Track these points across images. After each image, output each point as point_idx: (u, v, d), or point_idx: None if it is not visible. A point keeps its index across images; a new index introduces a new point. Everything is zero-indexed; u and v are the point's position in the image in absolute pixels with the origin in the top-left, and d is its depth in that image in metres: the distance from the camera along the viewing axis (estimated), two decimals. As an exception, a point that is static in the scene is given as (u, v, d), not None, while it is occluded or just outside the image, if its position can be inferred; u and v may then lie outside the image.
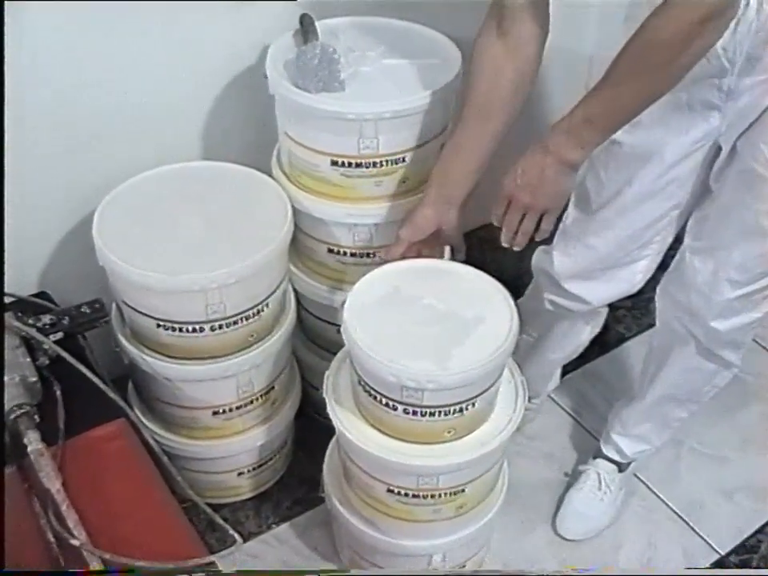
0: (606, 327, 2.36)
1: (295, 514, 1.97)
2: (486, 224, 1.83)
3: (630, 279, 1.77)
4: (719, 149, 1.53)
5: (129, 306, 1.61)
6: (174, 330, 1.59)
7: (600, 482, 1.98)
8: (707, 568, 1.93)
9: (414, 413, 1.46)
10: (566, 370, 2.27)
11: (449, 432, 1.50)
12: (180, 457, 1.79)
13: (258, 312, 1.63)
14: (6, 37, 1.18)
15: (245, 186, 1.69)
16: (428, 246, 1.62)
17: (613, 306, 2.39)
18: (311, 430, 2.01)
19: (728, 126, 1.49)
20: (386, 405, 1.48)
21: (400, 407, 1.46)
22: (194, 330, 1.59)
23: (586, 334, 2.01)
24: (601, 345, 2.35)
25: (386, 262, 1.60)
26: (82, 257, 1.71)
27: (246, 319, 1.62)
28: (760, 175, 1.47)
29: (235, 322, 1.61)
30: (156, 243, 1.57)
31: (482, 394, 1.47)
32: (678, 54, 1.26)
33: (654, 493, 2.06)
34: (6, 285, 1.61)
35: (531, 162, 1.42)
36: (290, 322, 1.76)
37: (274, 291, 1.66)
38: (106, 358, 1.71)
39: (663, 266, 1.76)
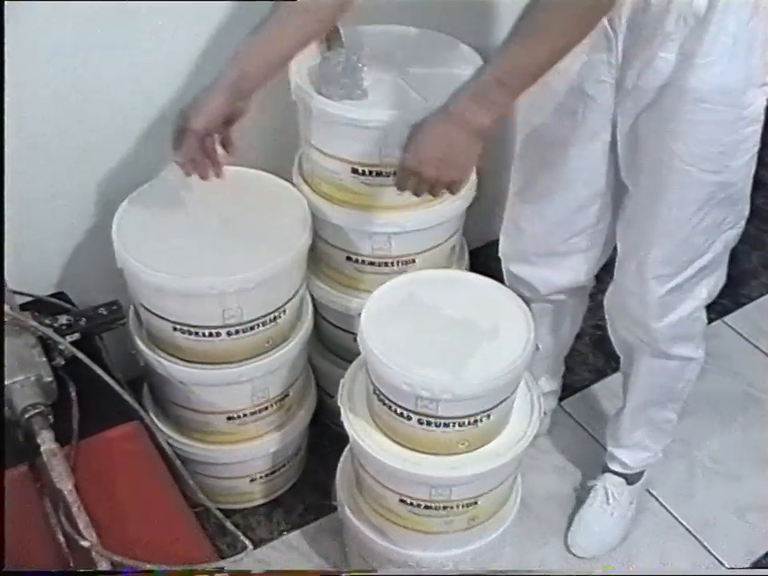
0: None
1: (307, 521, 1.96)
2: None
3: (576, 268, 1.77)
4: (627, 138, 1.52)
5: (146, 308, 1.61)
6: (190, 333, 1.59)
7: (608, 496, 1.97)
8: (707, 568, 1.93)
9: (428, 423, 1.46)
10: (581, 384, 2.27)
11: (463, 444, 1.50)
12: (193, 461, 1.79)
13: (275, 318, 1.63)
14: (6, 37, 1.21)
15: (265, 192, 1.69)
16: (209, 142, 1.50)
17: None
18: (325, 437, 2.01)
19: (622, 107, 1.48)
20: (400, 414, 1.47)
21: (414, 417, 1.46)
22: (211, 335, 1.59)
23: (564, 328, 2.00)
24: (616, 359, 2.30)
25: (176, 162, 1.48)
26: (100, 258, 1.71)
27: (263, 325, 1.62)
28: (665, 164, 1.46)
29: (252, 328, 1.60)
30: (175, 246, 1.57)
31: (497, 406, 1.47)
32: (591, 14, 1.24)
33: (667, 509, 2.04)
34: (22, 284, 1.63)
35: (436, 133, 1.33)
36: (306, 328, 1.76)
37: (292, 298, 1.66)
38: (122, 359, 1.71)
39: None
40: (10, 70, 1.52)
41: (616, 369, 2.29)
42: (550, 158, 1.61)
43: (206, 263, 1.54)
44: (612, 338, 1.84)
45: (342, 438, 1.68)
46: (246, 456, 1.83)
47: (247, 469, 1.87)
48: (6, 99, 1.56)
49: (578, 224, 1.69)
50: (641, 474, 2.00)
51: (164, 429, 1.78)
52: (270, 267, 1.54)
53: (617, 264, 1.68)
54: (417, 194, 1.42)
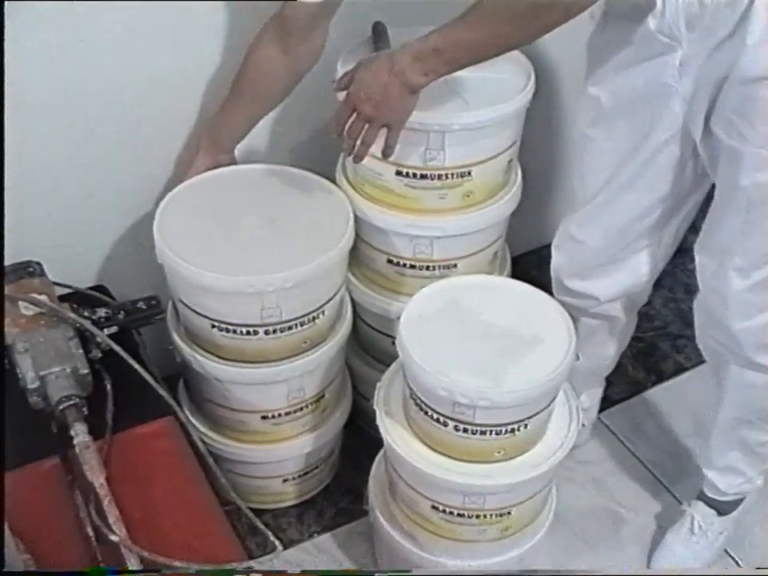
0: (664, 356, 2.35)
1: (337, 524, 1.95)
2: (544, 245, 1.82)
3: (635, 271, 1.75)
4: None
5: (185, 304, 1.61)
6: (228, 331, 1.58)
7: (694, 528, 1.90)
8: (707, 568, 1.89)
9: (465, 430, 1.44)
10: (620, 397, 2.24)
11: (499, 452, 1.48)
12: (226, 459, 1.78)
13: (314, 319, 1.62)
14: (6, 36, 1.18)
15: (308, 191, 1.68)
16: None
17: (673, 335, 2.40)
18: (359, 441, 2.00)
19: (690, 106, 1.46)
20: (437, 420, 1.45)
21: (451, 423, 1.44)
22: (248, 333, 1.58)
23: (612, 347, 1.98)
24: (658, 374, 2.31)
25: None
26: (141, 253, 1.72)
27: (301, 325, 1.61)
28: (736, 150, 1.42)
29: (290, 327, 1.59)
30: (215, 243, 1.56)
31: (535, 415, 1.45)
32: (542, 11, 1.29)
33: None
34: (63, 277, 1.64)
35: (376, 77, 1.42)
36: (345, 330, 1.74)
37: (331, 298, 1.65)
38: (159, 356, 1.71)
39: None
40: (51, 67, 1.55)
41: (656, 383, 2.30)
42: (614, 167, 1.59)
43: (247, 261, 1.53)
44: (701, 348, 1.76)
45: (376, 442, 1.67)
46: (280, 456, 1.82)
47: (280, 469, 1.86)
48: (47, 99, 1.59)
49: (638, 231, 1.67)
50: (736, 503, 1.91)
51: (199, 426, 1.77)
52: (310, 267, 1.53)
53: (698, 266, 1.62)
54: (351, 135, 1.49)
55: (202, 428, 1.78)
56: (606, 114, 1.55)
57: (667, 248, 1.76)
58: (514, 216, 1.85)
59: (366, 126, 1.47)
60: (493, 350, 1.45)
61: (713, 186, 1.59)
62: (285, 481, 1.89)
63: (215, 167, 1.69)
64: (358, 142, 1.50)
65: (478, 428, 1.43)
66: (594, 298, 1.77)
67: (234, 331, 1.58)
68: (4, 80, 1.16)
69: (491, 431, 1.44)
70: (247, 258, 1.54)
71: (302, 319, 1.60)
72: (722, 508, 1.90)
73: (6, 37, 1.16)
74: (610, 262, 1.73)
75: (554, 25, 1.31)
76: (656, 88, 1.47)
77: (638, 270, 1.76)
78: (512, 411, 1.42)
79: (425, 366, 1.40)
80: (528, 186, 1.84)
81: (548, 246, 1.81)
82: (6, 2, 1.16)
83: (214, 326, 1.59)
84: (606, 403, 2.20)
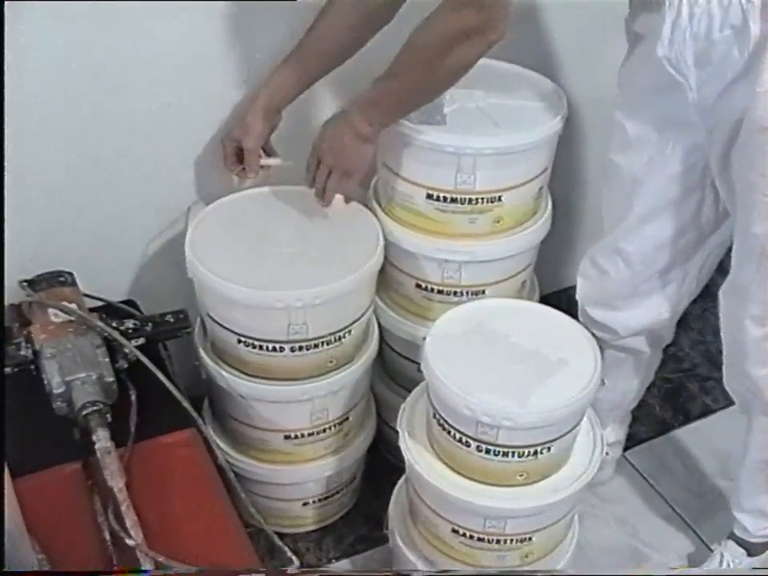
0: (692, 397, 2.33)
1: (357, 551, 1.93)
2: (573, 285, 1.82)
3: (658, 307, 1.76)
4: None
5: (212, 319, 1.62)
6: (254, 347, 1.59)
7: (722, 565, 1.87)
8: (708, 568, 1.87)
9: (488, 451, 1.43)
10: (646, 436, 2.22)
11: (521, 475, 1.47)
12: (247, 479, 1.78)
13: (340, 338, 1.63)
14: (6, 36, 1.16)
15: (339, 212, 1.68)
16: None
17: (701, 377, 2.39)
18: (382, 469, 1.98)
19: (711, 145, 1.48)
20: (459, 440, 1.45)
21: (473, 444, 1.43)
22: (275, 349, 1.58)
23: (636, 381, 1.96)
24: (685, 414, 2.29)
25: (241, 185, 1.72)
26: (172, 270, 1.74)
27: (328, 344, 1.61)
28: (748, 197, 1.43)
29: (316, 345, 1.60)
30: (246, 258, 1.58)
31: (558, 438, 1.44)
32: (441, 58, 1.41)
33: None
34: (94, 291, 1.65)
35: (333, 130, 1.56)
36: (371, 352, 1.74)
37: (359, 319, 1.65)
38: (186, 376, 1.72)
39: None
40: (90, 81, 1.59)
41: (683, 423, 2.28)
42: (637, 194, 1.61)
43: (275, 277, 1.54)
44: (728, 391, 1.76)
45: (399, 471, 1.67)
46: (301, 478, 1.81)
47: (301, 491, 1.85)
48: (82, 113, 1.61)
49: (660, 263, 1.68)
50: (766, 545, 1.88)
51: (221, 444, 1.77)
52: (338, 285, 1.54)
53: (720, 310, 1.64)
54: (317, 183, 1.61)
55: (225, 446, 1.78)
56: (630, 141, 1.57)
57: (691, 285, 1.76)
58: (543, 252, 1.86)
59: (330, 173, 1.59)
60: (518, 372, 1.45)
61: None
62: (305, 504, 1.88)
63: (272, 130, 1.68)
64: (326, 191, 1.61)
65: (501, 449, 1.42)
66: (615, 332, 1.77)
67: (261, 347, 1.59)
68: (4, 80, 1.15)
69: (514, 453, 1.43)
70: (276, 274, 1.55)
71: (328, 338, 1.60)
72: (752, 549, 1.88)
73: (5, 37, 1.14)
74: (632, 295, 1.73)
75: (465, 67, 1.44)
76: (675, 120, 1.50)
77: (661, 306, 1.76)
78: (535, 433, 1.41)
79: (449, 383, 1.41)
80: (558, 222, 1.85)
81: (573, 287, 1.82)
82: (5, 2, 1.15)
83: (240, 341, 1.59)
84: (632, 442, 2.18)
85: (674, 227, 1.64)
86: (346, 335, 1.64)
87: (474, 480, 1.49)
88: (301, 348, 1.59)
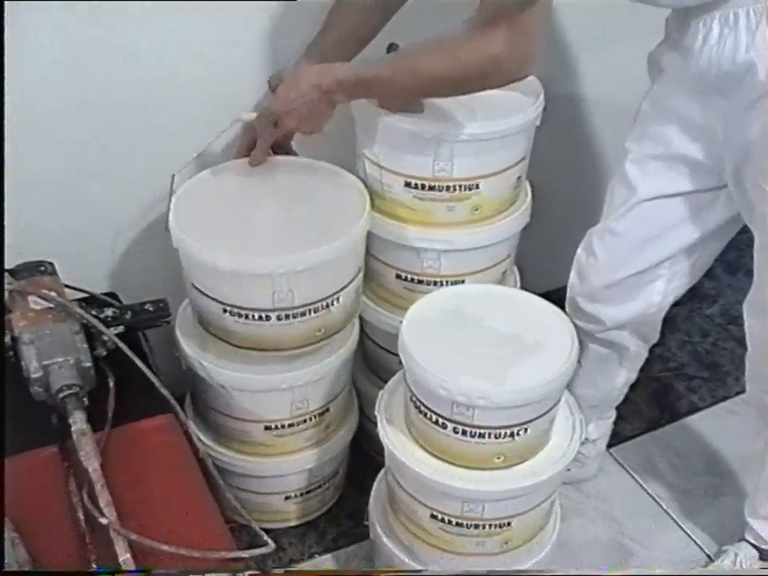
0: (678, 396, 2.33)
1: (339, 546, 1.92)
2: (556, 288, 1.83)
3: (646, 301, 1.75)
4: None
5: (198, 289, 1.59)
6: (239, 316, 1.56)
7: (736, 562, 1.86)
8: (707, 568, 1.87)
9: (464, 432, 1.43)
10: (632, 433, 2.22)
11: (498, 458, 1.46)
12: (229, 472, 1.77)
13: (328, 306, 1.59)
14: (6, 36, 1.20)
15: (326, 180, 1.68)
16: None
17: (688, 376, 2.39)
18: (365, 465, 1.98)
19: (727, 151, 1.49)
20: (436, 422, 1.45)
21: (450, 425, 1.43)
22: (260, 318, 1.55)
23: (620, 377, 1.95)
24: (672, 412, 2.29)
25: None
26: (153, 262, 1.74)
27: (315, 312, 1.58)
28: (766, 214, 1.46)
29: (303, 314, 1.56)
30: (230, 228, 1.56)
31: (535, 420, 1.43)
32: (455, 84, 1.42)
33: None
34: (77, 281, 1.65)
35: (305, 97, 1.52)
36: (351, 342, 1.74)
37: (347, 285, 1.61)
38: (168, 372, 1.70)
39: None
40: (69, 72, 1.60)
41: (670, 421, 2.29)
42: (639, 181, 1.63)
43: (260, 244, 1.53)
44: (748, 399, 1.79)
45: (382, 467, 1.66)
46: (282, 470, 1.80)
47: (282, 485, 1.84)
48: (62, 105, 1.62)
49: (653, 253, 1.68)
50: None
51: (203, 438, 1.76)
52: (322, 251, 1.50)
53: (746, 323, 1.65)
54: (261, 141, 1.62)
55: (206, 439, 1.77)
56: (648, 134, 1.59)
57: (680, 281, 1.75)
58: (524, 257, 1.86)
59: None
60: (495, 354, 1.45)
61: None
62: (287, 498, 1.87)
63: None
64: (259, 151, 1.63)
65: (477, 430, 1.42)
66: (602, 323, 1.77)
67: (246, 316, 1.56)
68: (4, 80, 1.17)
69: (490, 434, 1.42)
70: (261, 242, 1.54)
71: (315, 305, 1.57)
72: (765, 554, 1.88)
73: (5, 37, 1.18)
74: (620, 285, 1.72)
75: (473, 92, 1.47)
76: (698, 124, 1.51)
77: (649, 300, 1.75)
78: (511, 413, 1.41)
79: (424, 364, 1.41)
80: (537, 227, 1.85)
81: (559, 290, 1.83)
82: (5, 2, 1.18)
83: (226, 311, 1.57)
84: (618, 439, 2.18)
85: (674, 219, 1.64)
86: (334, 303, 1.60)
87: (452, 463, 1.48)
88: (287, 316, 1.56)
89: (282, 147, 1.71)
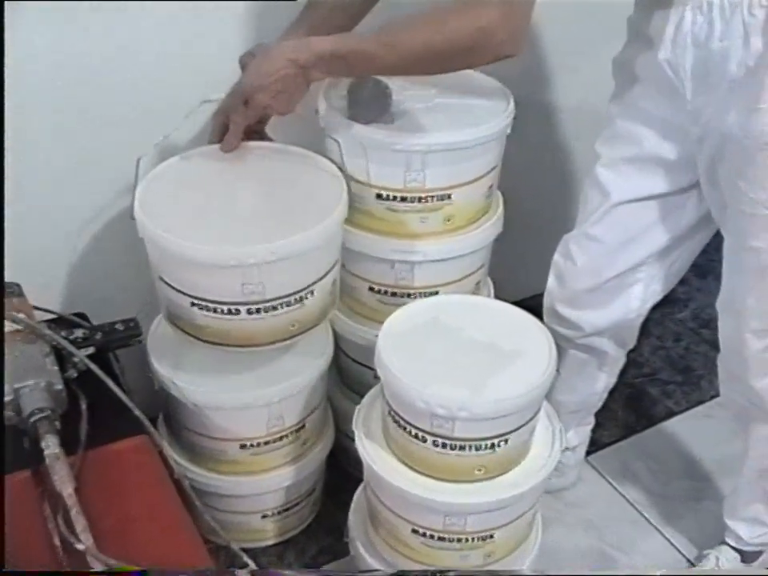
0: (654, 401, 2.33)
1: (319, 563, 1.89)
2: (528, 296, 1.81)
3: (625, 306, 1.75)
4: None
5: (164, 281, 1.52)
6: (208, 309, 1.49)
7: (718, 565, 1.86)
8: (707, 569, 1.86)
9: (444, 445, 1.41)
10: (609, 440, 2.21)
11: (479, 470, 1.45)
12: (205, 493, 1.74)
13: (302, 299, 1.51)
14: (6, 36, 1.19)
15: (301, 166, 1.61)
16: None
17: (662, 381, 2.39)
18: (342, 480, 1.94)
19: (699, 155, 1.49)
20: (415, 436, 1.43)
21: (429, 438, 1.41)
22: (230, 312, 1.48)
23: (600, 382, 1.95)
24: (648, 418, 2.29)
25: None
26: (122, 280, 1.71)
27: (288, 305, 1.50)
28: (747, 212, 1.44)
29: (275, 308, 1.49)
30: (199, 217, 1.48)
31: (515, 430, 1.42)
32: (440, 59, 1.34)
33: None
34: (44, 304, 1.62)
35: (279, 72, 1.40)
36: (326, 357, 1.72)
37: (321, 278, 1.54)
38: (140, 394, 1.65)
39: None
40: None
41: (647, 427, 2.28)
42: (612, 185, 1.62)
43: (229, 234, 1.45)
44: (724, 403, 1.78)
45: (360, 483, 1.64)
46: (259, 488, 1.78)
47: (260, 503, 1.82)
48: (28, 123, 1.59)
49: (629, 256, 1.67)
50: (759, 553, 1.88)
51: (178, 458, 1.73)
52: (293, 241, 1.43)
53: (719, 324, 1.64)
54: (234, 125, 1.52)
55: (181, 460, 1.74)
56: (618, 135, 1.58)
57: (658, 286, 1.76)
58: (497, 266, 1.86)
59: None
60: (473, 364, 1.43)
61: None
62: (264, 517, 1.84)
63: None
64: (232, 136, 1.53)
65: (458, 443, 1.40)
66: (580, 329, 1.76)
67: (215, 310, 1.48)
68: (4, 80, 1.16)
69: (471, 446, 1.41)
70: (231, 232, 1.45)
71: (288, 299, 1.49)
72: (745, 556, 1.88)
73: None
74: (599, 291, 1.72)
75: (456, 67, 1.42)
76: (668, 123, 1.51)
77: (629, 304, 1.75)
78: (492, 424, 1.39)
79: (402, 376, 1.39)
80: (509, 235, 1.84)
81: (531, 298, 1.82)
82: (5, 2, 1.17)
83: (194, 305, 1.49)
84: (596, 446, 2.17)
85: (648, 222, 1.64)
86: (308, 296, 1.52)
87: (432, 477, 1.46)
88: (258, 310, 1.48)
89: (256, 133, 1.61)
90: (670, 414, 2.31)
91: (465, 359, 1.44)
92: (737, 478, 1.83)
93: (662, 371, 2.44)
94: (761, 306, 1.52)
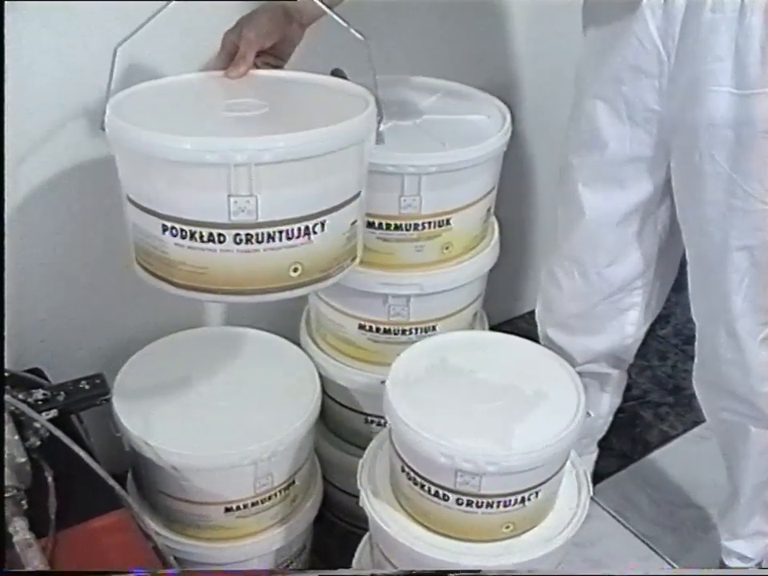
0: (647, 426, 2.22)
1: (313, 628, 1.74)
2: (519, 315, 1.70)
3: (619, 331, 1.68)
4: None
5: (133, 203, 1.20)
6: (183, 236, 1.15)
7: None
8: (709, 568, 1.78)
9: (469, 503, 1.27)
10: (608, 471, 2.09)
11: (507, 527, 1.30)
12: (185, 561, 1.56)
13: (308, 231, 1.16)
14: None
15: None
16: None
17: (654, 403, 2.29)
18: (331, 535, 1.81)
19: (673, 145, 1.39)
20: (435, 494, 1.28)
21: (452, 497, 1.26)
22: (211, 239, 1.14)
23: (604, 405, 1.87)
24: (644, 444, 2.19)
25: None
26: (79, 334, 1.54)
27: (288, 237, 1.14)
28: (739, 207, 1.34)
29: (271, 237, 1.12)
30: (185, 121, 1.19)
31: (547, 481, 1.28)
32: None
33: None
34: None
35: (274, 24, 1.32)
36: (314, 407, 1.55)
37: (339, 206, 1.19)
38: (104, 452, 1.51)
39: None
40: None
41: (643, 454, 2.18)
42: (584, 200, 1.50)
43: (219, 131, 1.16)
44: (709, 422, 1.69)
45: (349, 537, 1.54)
46: (246, 554, 1.59)
47: (246, 568, 1.64)
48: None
49: (618, 277, 1.58)
50: (760, 565, 1.79)
51: (151, 524, 1.55)
52: (300, 136, 1.10)
53: (697, 339, 1.55)
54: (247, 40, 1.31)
55: (156, 527, 1.55)
56: (586, 141, 1.47)
57: (654, 303, 1.69)
58: (490, 280, 1.73)
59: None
60: (494, 411, 1.29)
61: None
62: (252, 583, 1.67)
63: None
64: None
65: (485, 500, 1.26)
66: (572, 359, 1.65)
67: (192, 235, 1.13)
68: (4, 80, 1.11)
69: (499, 503, 1.26)
70: (222, 128, 1.17)
71: (289, 227, 1.14)
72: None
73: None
74: (594, 315, 1.62)
75: None
76: (638, 115, 1.39)
77: (623, 330, 1.68)
78: (523, 477, 1.25)
79: (419, 429, 1.24)
80: (504, 253, 1.72)
81: (523, 317, 1.71)
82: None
83: (165, 229, 1.14)
84: (595, 478, 2.04)
85: (627, 240, 1.55)
86: (317, 229, 1.17)
87: (453, 537, 1.32)
88: (249, 238, 1.12)
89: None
90: (666, 439, 2.21)
91: (484, 406, 1.30)
92: (730, 500, 1.74)
93: (651, 393, 2.35)
94: (753, 303, 1.42)
